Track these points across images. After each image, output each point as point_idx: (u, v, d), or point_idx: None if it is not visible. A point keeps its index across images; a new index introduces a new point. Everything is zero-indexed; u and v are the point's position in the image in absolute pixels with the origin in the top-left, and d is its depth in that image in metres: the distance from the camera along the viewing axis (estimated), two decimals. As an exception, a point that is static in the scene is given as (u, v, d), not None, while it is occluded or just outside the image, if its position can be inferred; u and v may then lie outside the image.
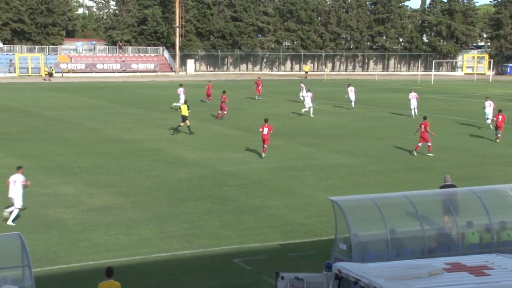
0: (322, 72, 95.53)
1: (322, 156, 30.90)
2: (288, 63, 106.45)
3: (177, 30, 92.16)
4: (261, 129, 29.99)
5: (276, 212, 21.25)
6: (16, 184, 19.45)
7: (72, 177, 24.88)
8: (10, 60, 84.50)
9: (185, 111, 36.38)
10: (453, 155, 31.42)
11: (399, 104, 53.19)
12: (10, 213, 19.44)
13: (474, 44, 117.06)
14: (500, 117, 35.93)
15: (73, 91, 63.56)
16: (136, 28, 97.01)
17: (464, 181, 24.17)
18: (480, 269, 11.01)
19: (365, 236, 14.88)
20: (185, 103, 38.07)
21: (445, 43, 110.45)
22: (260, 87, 56.93)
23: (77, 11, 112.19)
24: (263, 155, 29.92)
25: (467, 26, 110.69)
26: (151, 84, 73.78)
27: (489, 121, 40.11)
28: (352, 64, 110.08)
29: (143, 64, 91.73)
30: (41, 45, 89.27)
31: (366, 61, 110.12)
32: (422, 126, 31.05)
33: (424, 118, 32.03)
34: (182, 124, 36.43)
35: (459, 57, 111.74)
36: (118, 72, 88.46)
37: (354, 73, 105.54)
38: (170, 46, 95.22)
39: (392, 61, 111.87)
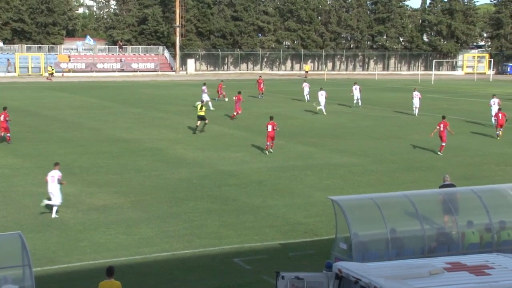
0: (323, 72, 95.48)
1: (322, 155, 30.88)
2: (289, 63, 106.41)
3: (178, 29, 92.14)
4: (267, 127, 30.69)
5: (276, 211, 21.24)
6: (54, 180, 20.16)
7: (72, 177, 24.85)
8: (8, 59, 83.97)
9: (200, 111, 36.47)
10: (453, 154, 31.40)
11: (400, 104, 53.20)
12: (48, 205, 20.31)
13: (475, 44, 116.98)
14: (500, 115, 36.62)
15: (73, 90, 63.54)
16: (136, 28, 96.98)
17: (464, 181, 24.18)
18: (480, 268, 10.99)
19: (365, 236, 14.86)
20: (201, 102, 38.09)
21: (445, 42, 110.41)
22: (262, 86, 58.41)
23: (78, 10, 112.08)
24: (268, 151, 30.56)
25: (468, 25, 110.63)
26: (151, 84, 73.75)
27: (494, 119, 40.51)
28: (353, 63, 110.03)
29: (143, 64, 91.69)
30: (42, 44, 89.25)
31: (367, 60, 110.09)
32: (441, 125, 31.20)
33: (443, 117, 32.15)
34: (206, 122, 36.49)
35: (460, 57, 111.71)
36: (118, 71, 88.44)
37: (354, 72, 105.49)
38: (171, 46, 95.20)
39: (392, 61, 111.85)
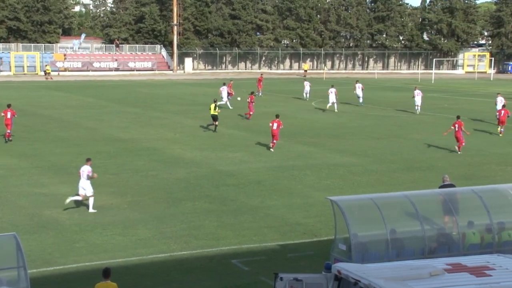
0: (322, 71, 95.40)
1: (321, 155, 30.74)
2: (287, 62, 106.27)
3: (175, 28, 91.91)
4: (270, 124, 31.25)
5: (275, 212, 21.09)
6: (84, 175, 20.71)
7: (69, 177, 24.66)
8: (1, 58, 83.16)
9: (213, 111, 36.38)
10: (453, 154, 31.27)
11: (400, 103, 53.10)
12: (75, 200, 20.94)
13: (475, 42, 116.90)
14: (503, 111, 37.11)
15: (70, 89, 63.34)
16: (133, 26, 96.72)
17: (464, 181, 24.09)
18: (481, 269, 10.92)
19: (365, 237, 14.76)
20: (214, 102, 37.61)
21: (445, 41, 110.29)
22: (261, 83, 59.39)
23: (74, 9, 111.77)
24: (272, 150, 31.04)
25: (468, 24, 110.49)
26: (148, 83, 73.60)
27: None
28: (352, 62, 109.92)
29: (140, 63, 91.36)
30: (37, 43, 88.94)
31: (366, 59, 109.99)
32: (456, 125, 31.13)
33: (458, 117, 32.03)
34: (216, 123, 36.50)
35: (460, 56, 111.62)
36: (115, 70, 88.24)
37: (353, 71, 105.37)
38: (168, 44, 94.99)
39: (392, 60, 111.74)
